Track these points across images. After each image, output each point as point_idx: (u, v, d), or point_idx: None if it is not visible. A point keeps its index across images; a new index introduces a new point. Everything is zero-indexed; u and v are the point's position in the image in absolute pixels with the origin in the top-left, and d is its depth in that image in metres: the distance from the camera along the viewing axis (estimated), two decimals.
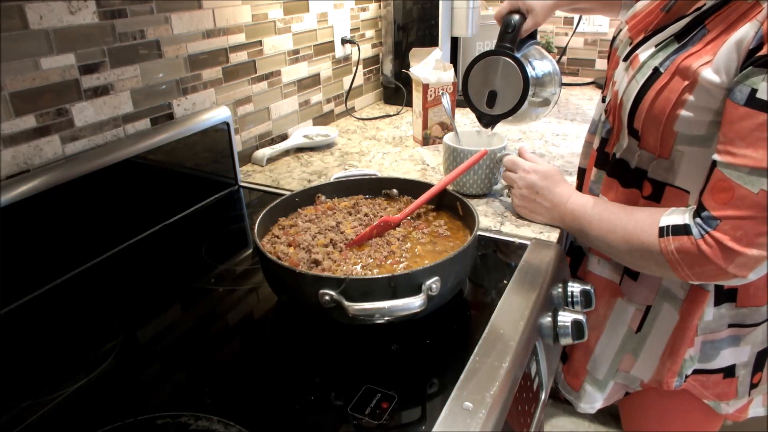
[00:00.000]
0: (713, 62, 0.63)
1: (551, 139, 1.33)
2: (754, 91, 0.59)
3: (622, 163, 0.79)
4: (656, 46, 0.72)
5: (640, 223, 0.71)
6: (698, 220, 0.65)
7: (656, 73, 0.70)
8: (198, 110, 1.05)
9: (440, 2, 1.45)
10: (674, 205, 0.73)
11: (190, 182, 1.03)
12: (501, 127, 1.40)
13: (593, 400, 0.93)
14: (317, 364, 0.64)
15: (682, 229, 0.66)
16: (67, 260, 0.83)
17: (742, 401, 0.84)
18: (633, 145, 0.77)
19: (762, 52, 0.59)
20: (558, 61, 1.12)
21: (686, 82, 0.66)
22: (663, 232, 0.68)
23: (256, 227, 0.73)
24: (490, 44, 1.76)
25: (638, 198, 0.78)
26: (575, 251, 0.94)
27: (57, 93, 0.81)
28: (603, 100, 0.86)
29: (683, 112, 0.68)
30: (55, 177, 0.78)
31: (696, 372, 0.82)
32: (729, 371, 0.82)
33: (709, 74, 0.64)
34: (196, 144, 1.01)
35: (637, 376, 0.88)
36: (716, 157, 0.64)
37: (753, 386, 0.83)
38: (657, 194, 0.76)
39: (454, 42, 1.57)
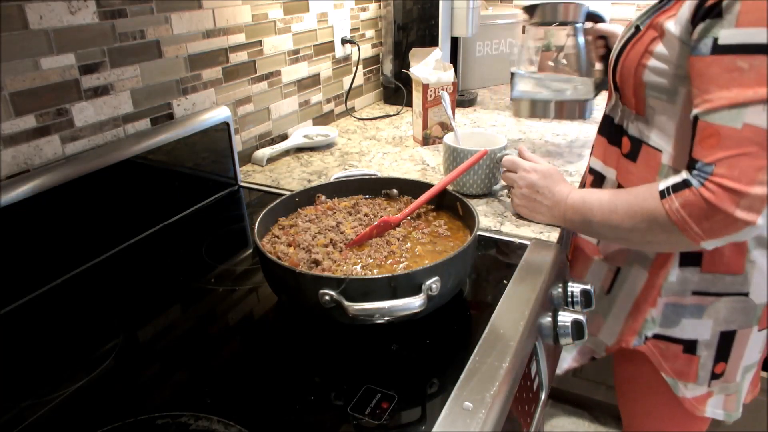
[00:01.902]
0: (677, 15, 0.69)
1: (551, 139, 1.33)
2: (715, 39, 0.63)
3: (608, 119, 0.86)
4: (646, 11, 0.79)
5: (641, 194, 0.73)
6: (695, 172, 0.67)
7: (637, 30, 0.77)
8: (198, 110, 1.05)
9: (440, 2, 1.45)
10: (648, 164, 0.78)
11: (190, 182, 1.03)
12: (502, 127, 1.41)
13: (561, 360, 0.96)
14: (317, 364, 0.64)
15: (681, 185, 0.67)
16: (67, 260, 0.83)
17: (702, 389, 0.85)
18: (616, 99, 0.83)
19: (710, 2, 0.63)
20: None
21: (656, 34, 0.73)
22: (664, 194, 0.69)
23: (256, 227, 0.73)
24: (490, 44, 1.77)
25: (619, 157, 0.83)
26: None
27: (57, 93, 0.81)
28: None
29: (650, 62, 0.74)
30: (55, 177, 0.78)
31: (656, 337, 0.84)
32: (690, 346, 0.83)
33: (671, 25, 0.70)
34: (196, 144, 1.01)
35: (602, 340, 0.91)
36: (695, 110, 0.66)
37: (714, 376, 0.84)
38: (634, 153, 0.80)
39: (454, 42, 1.57)
